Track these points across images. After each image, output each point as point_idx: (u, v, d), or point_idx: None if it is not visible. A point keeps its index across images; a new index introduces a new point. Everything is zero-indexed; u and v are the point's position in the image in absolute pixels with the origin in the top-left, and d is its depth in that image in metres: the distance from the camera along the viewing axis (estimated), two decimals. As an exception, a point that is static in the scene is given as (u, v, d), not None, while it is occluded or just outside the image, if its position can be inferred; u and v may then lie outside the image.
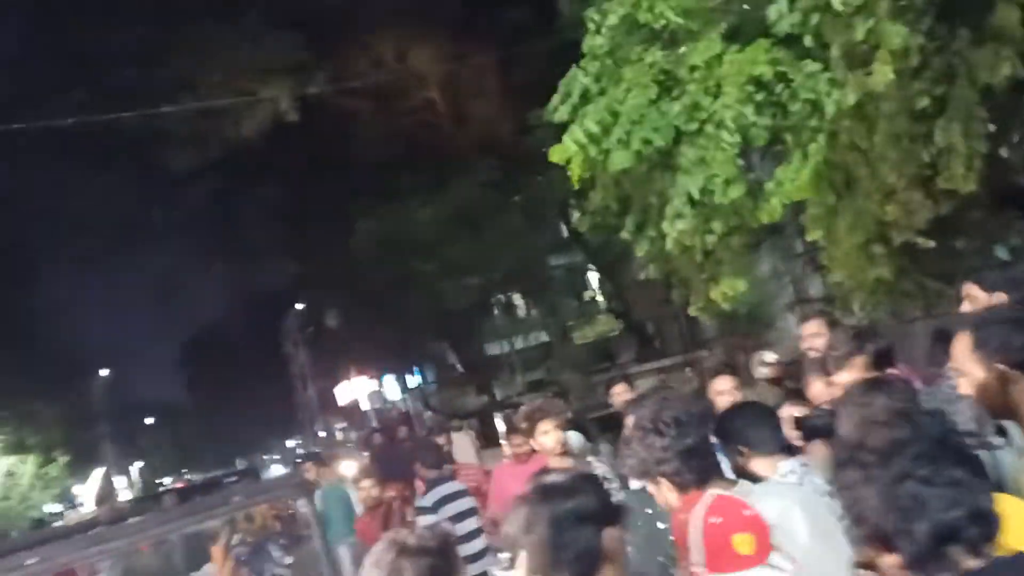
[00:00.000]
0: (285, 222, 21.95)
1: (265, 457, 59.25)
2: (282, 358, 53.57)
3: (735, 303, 7.45)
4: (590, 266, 24.96)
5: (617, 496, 3.59)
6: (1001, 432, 2.61)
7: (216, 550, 6.48)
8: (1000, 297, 3.06)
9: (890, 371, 3.14)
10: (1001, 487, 2.13)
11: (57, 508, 30.77)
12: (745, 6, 6.19)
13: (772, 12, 5.67)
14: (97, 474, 30.47)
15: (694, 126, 6.11)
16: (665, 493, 2.38)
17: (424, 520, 5.57)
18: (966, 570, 1.42)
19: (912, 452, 1.47)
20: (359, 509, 7.19)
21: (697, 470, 2.33)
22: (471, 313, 23.88)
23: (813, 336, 4.04)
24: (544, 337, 27.31)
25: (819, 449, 3.04)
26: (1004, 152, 6.33)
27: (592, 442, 6.64)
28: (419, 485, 6.38)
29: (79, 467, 32.90)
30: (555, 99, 7.10)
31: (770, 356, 5.30)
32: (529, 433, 4.44)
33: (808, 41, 5.58)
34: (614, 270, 22.94)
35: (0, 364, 24.14)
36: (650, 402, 2.57)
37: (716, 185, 5.97)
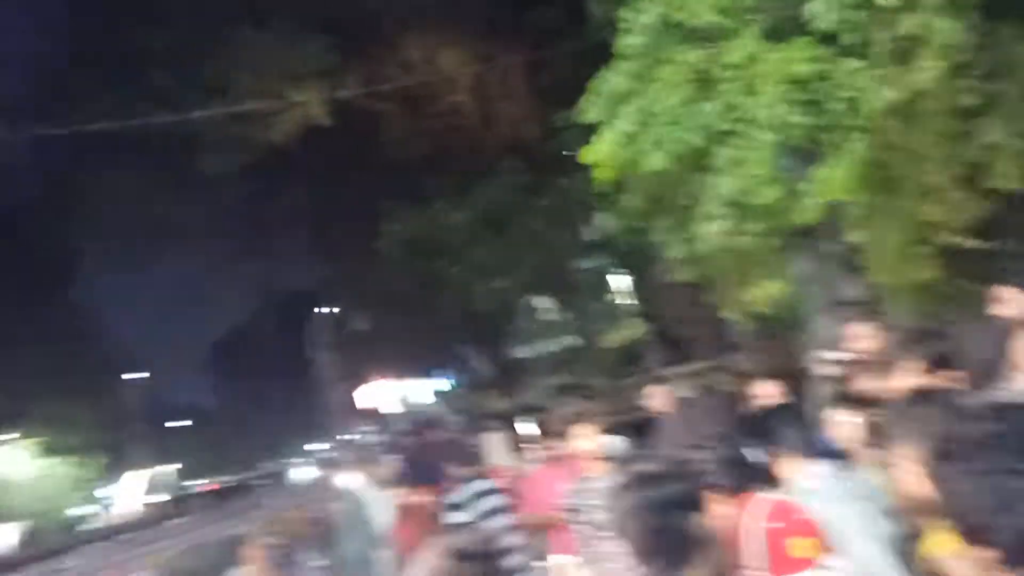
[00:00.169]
0: (313, 226, 22.08)
1: (291, 460, 59.58)
2: (308, 361, 53.87)
3: (773, 304, 7.35)
4: (617, 269, 24.83)
5: None
6: None
7: (251, 552, 6.49)
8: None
9: (945, 372, 3.04)
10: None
11: (91, 509, 31.15)
12: (782, 4, 6.09)
13: (811, 10, 5.58)
14: (143, 475, 30.78)
15: (730, 126, 6.03)
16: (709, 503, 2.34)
17: (455, 517, 5.54)
18: None
19: (1009, 445, 1.43)
20: (385, 514, 7.14)
21: (737, 477, 2.37)
22: (498, 316, 23.83)
23: (860, 338, 3.94)
24: (571, 341, 27.18)
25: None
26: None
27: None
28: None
29: (113, 469, 33.32)
30: (586, 100, 7.05)
31: (831, 354, 5.16)
32: (567, 436, 4.38)
33: (848, 38, 5.49)
34: (642, 273, 22.80)
35: (38, 367, 24.53)
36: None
37: (752, 185, 5.89)
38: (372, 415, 44.75)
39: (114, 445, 33.33)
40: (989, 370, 3.50)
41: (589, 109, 6.92)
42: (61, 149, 19.30)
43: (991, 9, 4.83)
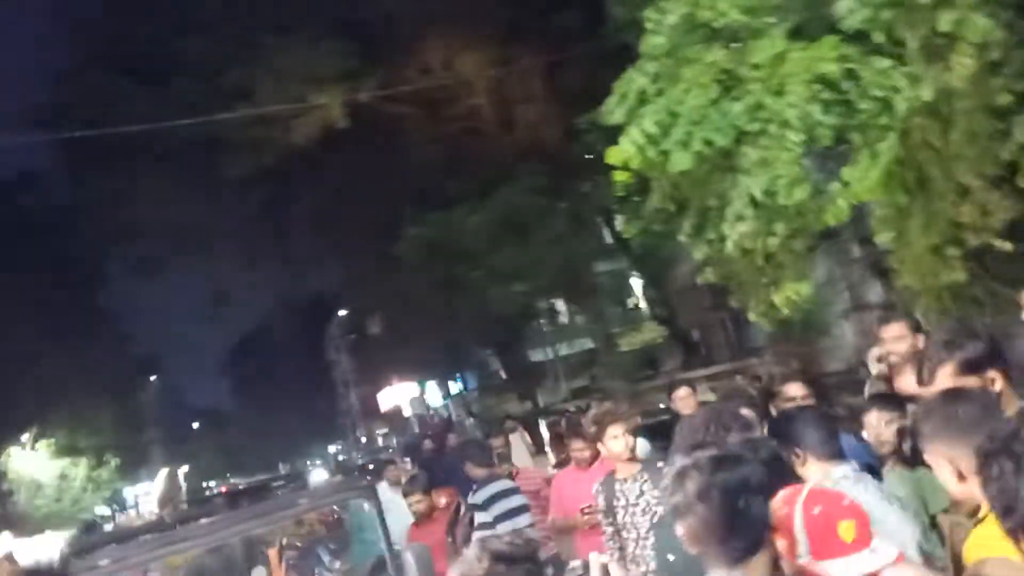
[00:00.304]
0: (333, 229, 22.13)
1: (307, 463, 59.76)
2: (325, 364, 54.09)
3: (796, 307, 7.28)
4: (635, 273, 24.76)
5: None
6: None
7: (272, 553, 6.50)
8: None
9: (987, 374, 2.97)
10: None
11: (107, 511, 31.36)
12: (809, 3, 6.03)
13: (840, 8, 5.52)
14: (161, 475, 30.94)
15: (757, 126, 5.97)
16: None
17: (476, 518, 5.53)
18: None
19: None
20: (403, 515, 7.11)
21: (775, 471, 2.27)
22: (515, 320, 23.82)
23: (895, 340, 3.88)
24: (588, 344, 27.14)
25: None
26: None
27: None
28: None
29: (129, 470, 33.51)
30: (610, 101, 6.99)
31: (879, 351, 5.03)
32: (597, 437, 4.34)
33: (878, 37, 5.43)
34: (659, 277, 22.73)
35: (57, 369, 24.72)
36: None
37: (780, 186, 5.83)
38: (389, 417, 44.88)
39: (132, 446, 33.54)
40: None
41: (613, 110, 6.86)
42: (85, 153, 19.44)
43: (1025, 6, 4.77)
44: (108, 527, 25.73)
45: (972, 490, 2.18)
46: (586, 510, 4.87)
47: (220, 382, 65.30)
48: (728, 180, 6.43)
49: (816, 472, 2.70)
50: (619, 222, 21.54)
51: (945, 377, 2.97)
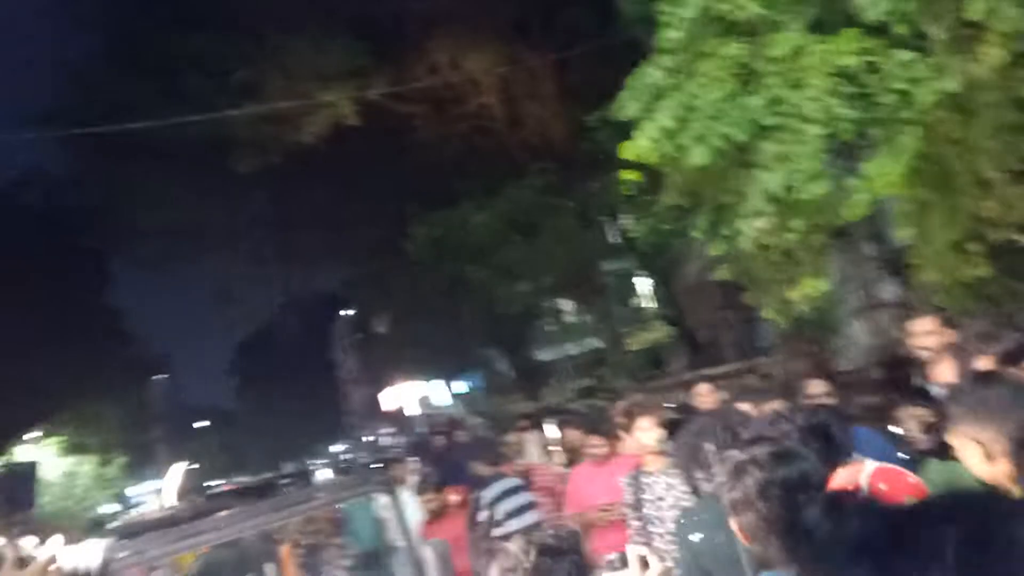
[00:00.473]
0: (340, 228, 22.09)
1: (312, 462, 59.75)
2: (331, 363, 54.04)
3: (809, 306, 7.21)
4: (642, 272, 24.67)
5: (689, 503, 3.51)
6: None
7: (284, 550, 6.45)
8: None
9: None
10: None
11: (114, 508, 31.35)
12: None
13: (859, 0, 5.45)
14: (178, 469, 30.91)
15: (775, 120, 5.90)
16: None
17: (483, 515, 5.49)
18: None
19: None
20: (410, 514, 7.06)
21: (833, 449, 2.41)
22: (522, 319, 23.75)
23: (925, 335, 3.82)
24: (595, 343, 27.04)
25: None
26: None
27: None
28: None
29: (135, 468, 33.54)
30: (624, 95, 6.93)
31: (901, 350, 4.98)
32: (627, 429, 4.28)
33: (900, 29, 5.36)
34: (666, 276, 22.64)
35: (64, 366, 24.71)
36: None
37: (799, 181, 5.76)
38: (394, 416, 44.82)
39: (139, 445, 33.56)
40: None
41: (627, 104, 6.80)
42: (91, 151, 19.43)
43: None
44: (113, 525, 25.74)
45: (1001, 472, 2.23)
46: (604, 507, 4.82)
47: (225, 381, 65.23)
48: (744, 175, 6.36)
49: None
50: (627, 221, 21.50)
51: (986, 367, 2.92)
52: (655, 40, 7.55)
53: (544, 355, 28.44)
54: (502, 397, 31.04)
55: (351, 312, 38.36)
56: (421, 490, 5.15)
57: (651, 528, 4.03)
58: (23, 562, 1.93)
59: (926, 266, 5.65)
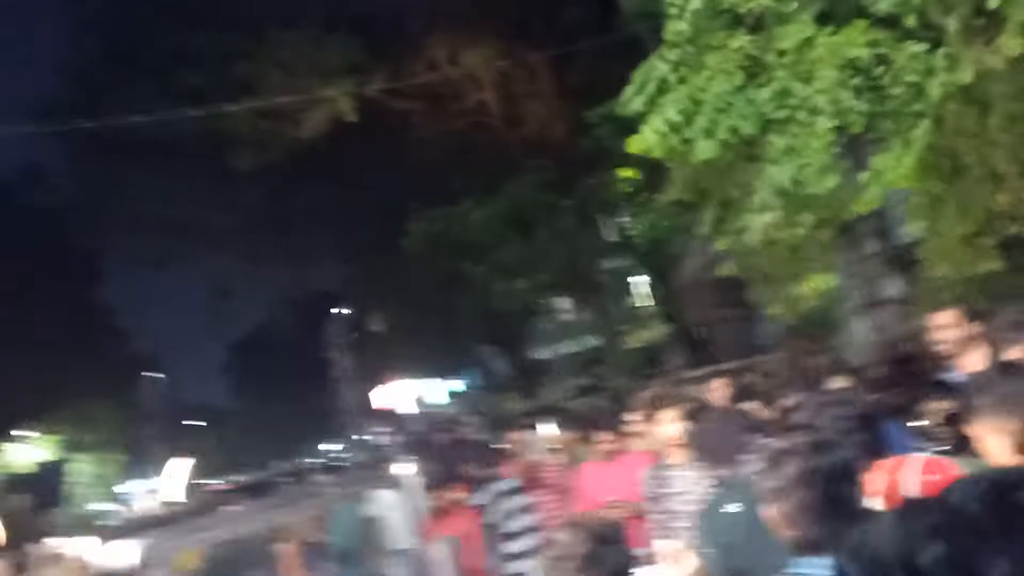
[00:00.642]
0: (337, 225, 21.99)
1: (307, 460, 59.54)
2: (326, 362, 53.79)
3: (816, 301, 7.16)
4: (639, 270, 24.62)
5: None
6: None
7: (287, 549, 6.37)
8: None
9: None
10: None
11: (111, 507, 31.22)
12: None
13: (870, -8, 5.39)
14: (183, 464, 30.79)
15: (784, 113, 5.84)
16: None
17: (492, 515, 5.42)
18: None
19: None
20: (404, 513, 6.99)
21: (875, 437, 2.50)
22: (519, 317, 23.68)
23: (944, 328, 3.76)
24: (592, 342, 26.97)
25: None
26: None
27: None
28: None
29: (133, 466, 33.40)
30: (629, 90, 6.85)
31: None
32: (649, 421, 4.20)
33: (911, 20, 5.29)
34: (664, 274, 22.60)
35: (59, 365, 24.58)
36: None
37: (808, 174, 5.69)
38: (388, 415, 44.68)
39: (136, 443, 33.40)
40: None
41: (632, 99, 6.72)
42: (89, 147, 19.29)
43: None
44: (110, 523, 25.62)
45: None
46: (612, 504, 4.74)
47: (221, 379, 65.03)
48: (752, 169, 6.30)
49: None
50: (625, 219, 21.44)
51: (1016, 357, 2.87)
52: (656, 36, 7.49)
53: (541, 353, 28.40)
54: (498, 396, 30.97)
55: (347, 310, 38.22)
56: (427, 488, 5.06)
57: (674, 523, 3.95)
58: (55, 560, 1.90)
59: (937, 259, 5.60)
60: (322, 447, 62.79)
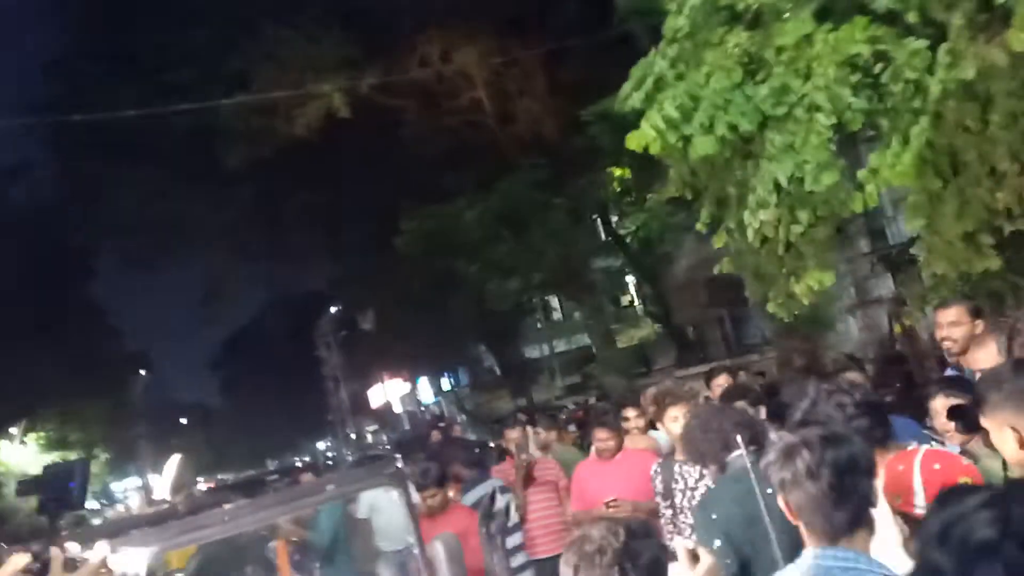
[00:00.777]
0: (328, 223, 21.90)
1: (296, 459, 59.33)
2: (316, 360, 53.63)
3: (812, 299, 7.13)
4: (630, 270, 24.65)
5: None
6: None
7: (280, 545, 6.30)
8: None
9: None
10: None
11: (97, 505, 30.99)
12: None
13: (870, -12, 5.37)
14: (173, 462, 30.53)
15: (783, 110, 5.81)
16: None
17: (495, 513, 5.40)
18: None
19: None
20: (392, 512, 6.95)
21: (883, 426, 2.57)
22: (510, 316, 23.66)
23: (952, 325, 3.73)
24: (583, 341, 26.98)
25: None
26: None
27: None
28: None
29: (118, 465, 33.17)
30: (626, 86, 6.81)
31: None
32: (658, 417, 4.18)
33: (911, 17, 5.28)
34: (654, 274, 22.64)
35: (46, 362, 24.37)
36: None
37: (807, 172, 5.67)
38: (379, 414, 44.60)
39: (122, 441, 33.16)
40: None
41: (630, 95, 6.68)
42: (77, 144, 19.12)
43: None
44: (97, 521, 25.42)
45: None
46: (611, 503, 4.71)
47: (209, 377, 64.69)
48: (750, 166, 6.27)
49: None
50: (616, 218, 21.46)
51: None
52: (650, 34, 7.44)
53: (531, 352, 28.40)
54: (489, 394, 30.95)
55: (338, 308, 38.13)
56: (421, 486, 5.02)
57: (682, 518, 3.92)
58: (71, 565, 1.86)
59: (935, 258, 5.58)
60: (312, 446, 62.63)
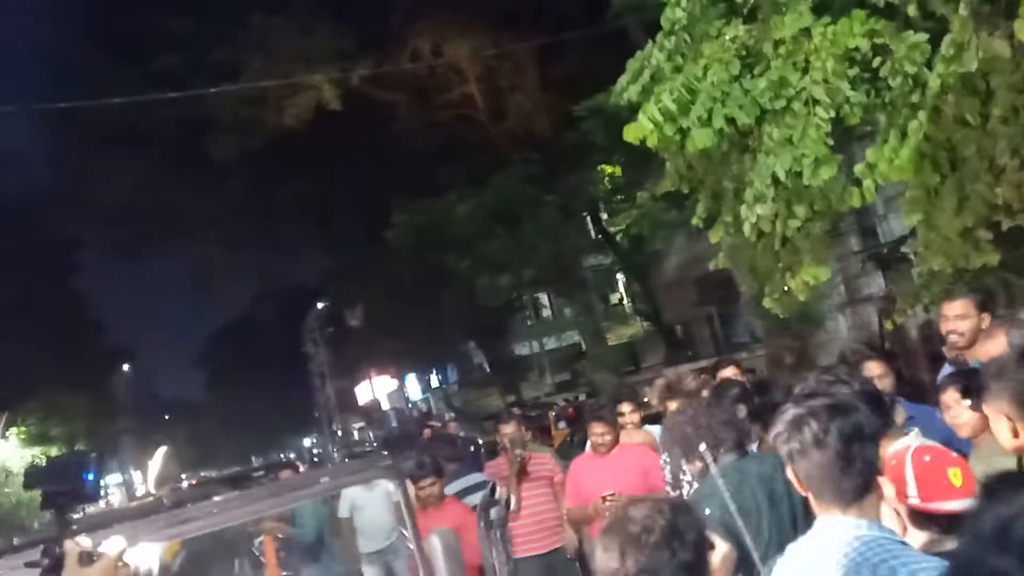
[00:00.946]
0: (317, 216, 21.77)
1: (281, 456, 59.03)
2: (302, 356, 53.38)
3: (807, 295, 7.10)
4: (620, 268, 24.64)
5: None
6: None
7: (268, 541, 6.22)
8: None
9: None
10: None
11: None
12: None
13: (870, -19, 5.33)
14: (158, 455, 30.31)
15: (781, 103, 5.77)
16: None
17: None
18: None
19: None
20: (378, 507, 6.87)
21: (882, 416, 2.60)
22: (501, 313, 23.61)
23: (958, 318, 3.69)
24: (572, 338, 26.96)
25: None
26: None
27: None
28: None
29: (105, 460, 32.83)
30: (623, 79, 6.74)
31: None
32: (664, 408, 4.13)
33: (911, 10, 5.24)
34: (644, 272, 22.65)
35: (29, 355, 24.09)
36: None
37: (805, 165, 5.63)
38: (366, 411, 44.44)
39: (105, 436, 32.87)
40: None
41: (626, 87, 6.62)
42: (64, 132, 18.90)
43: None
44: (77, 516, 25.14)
45: None
46: (609, 498, 4.65)
47: (194, 372, 64.37)
48: (747, 160, 6.23)
49: None
50: (606, 216, 21.44)
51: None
52: (644, 29, 7.38)
53: (521, 349, 28.35)
54: (478, 391, 30.88)
55: (327, 303, 37.95)
56: (419, 476, 4.96)
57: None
58: (87, 559, 1.80)
59: (933, 253, 5.54)
60: (299, 442, 62.34)
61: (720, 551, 1.90)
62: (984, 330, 3.65)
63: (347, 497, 6.94)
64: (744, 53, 6.07)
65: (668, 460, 4.13)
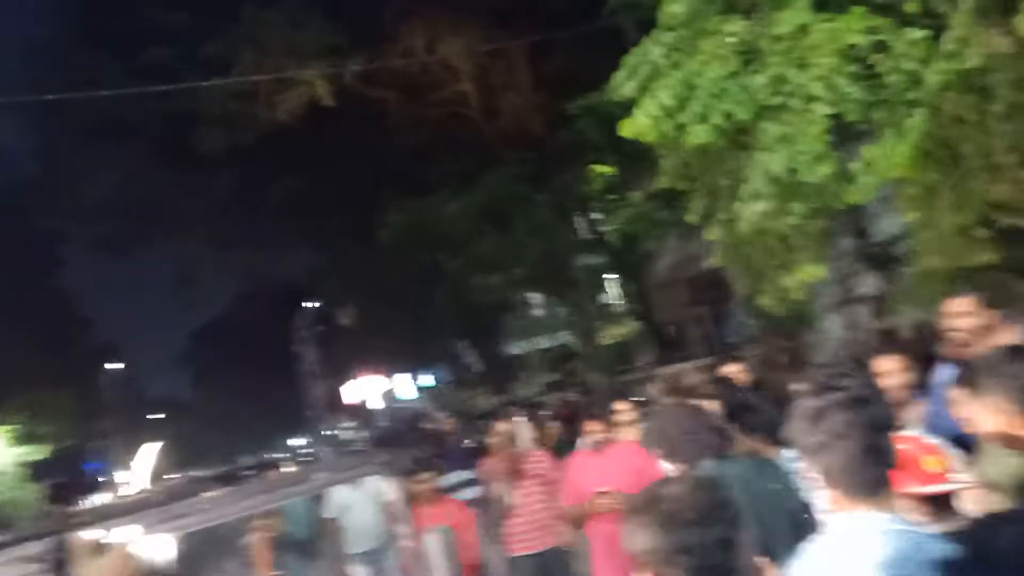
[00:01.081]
0: (307, 213, 21.62)
1: (271, 455, 58.74)
2: (292, 355, 53.14)
3: (800, 294, 7.09)
4: (612, 266, 24.62)
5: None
6: None
7: (258, 539, 6.15)
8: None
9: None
10: None
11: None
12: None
13: (869, -22, 5.31)
14: (152, 450, 30.09)
15: (779, 100, 5.74)
16: None
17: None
18: None
19: None
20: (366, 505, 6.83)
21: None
22: (492, 312, 23.55)
23: (960, 316, 3.66)
24: (564, 338, 26.92)
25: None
26: None
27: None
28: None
29: (90, 458, 32.61)
30: (620, 74, 6.71)
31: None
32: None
33: (910, 7, 5.23)
34: (636, 272, 22.63)
35: (15, 353, 23.88)
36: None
37: (802, 162, 5.60)
38: (356, 411, 44.26)
39: (92, 435, 32.64)
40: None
41: (623, 83, 6.58)
42: (51, 126, 18.71)
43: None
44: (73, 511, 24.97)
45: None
46: (603, 494, 4.61)
47: (182, 370, 63.88)
48: (744, 157, 6.21)
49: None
50: (599, 215, 21.41)
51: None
52: (639, 27, 7.34)
53: (513, 349, 28.28)
54: (469, 391, 30.80)
55: (316, 302, 37.78)
56: (413, 470, 4.90)
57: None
58: (98, 551, 1.77)
59: (930, 252, 5.53)
60: (288, 442, 62.04)
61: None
62: (992, 326, 3.61)
63: (336, 497, 6.86)
64: (742, 49, 6.04)
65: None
